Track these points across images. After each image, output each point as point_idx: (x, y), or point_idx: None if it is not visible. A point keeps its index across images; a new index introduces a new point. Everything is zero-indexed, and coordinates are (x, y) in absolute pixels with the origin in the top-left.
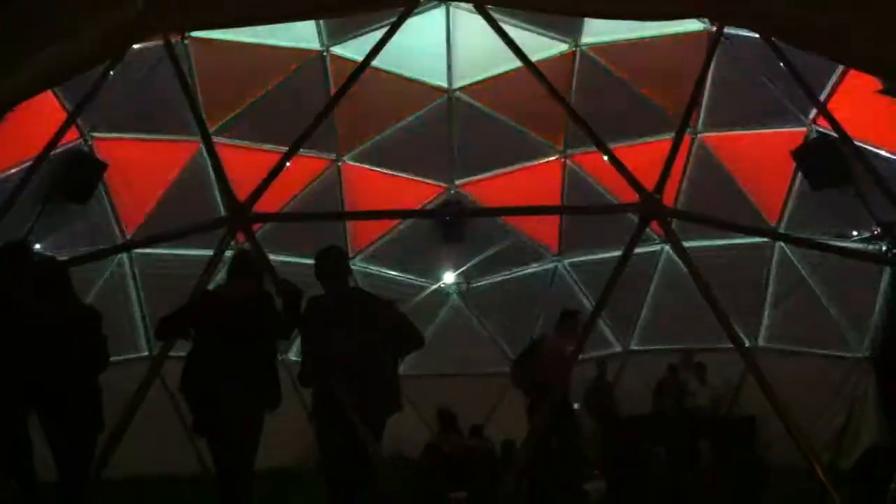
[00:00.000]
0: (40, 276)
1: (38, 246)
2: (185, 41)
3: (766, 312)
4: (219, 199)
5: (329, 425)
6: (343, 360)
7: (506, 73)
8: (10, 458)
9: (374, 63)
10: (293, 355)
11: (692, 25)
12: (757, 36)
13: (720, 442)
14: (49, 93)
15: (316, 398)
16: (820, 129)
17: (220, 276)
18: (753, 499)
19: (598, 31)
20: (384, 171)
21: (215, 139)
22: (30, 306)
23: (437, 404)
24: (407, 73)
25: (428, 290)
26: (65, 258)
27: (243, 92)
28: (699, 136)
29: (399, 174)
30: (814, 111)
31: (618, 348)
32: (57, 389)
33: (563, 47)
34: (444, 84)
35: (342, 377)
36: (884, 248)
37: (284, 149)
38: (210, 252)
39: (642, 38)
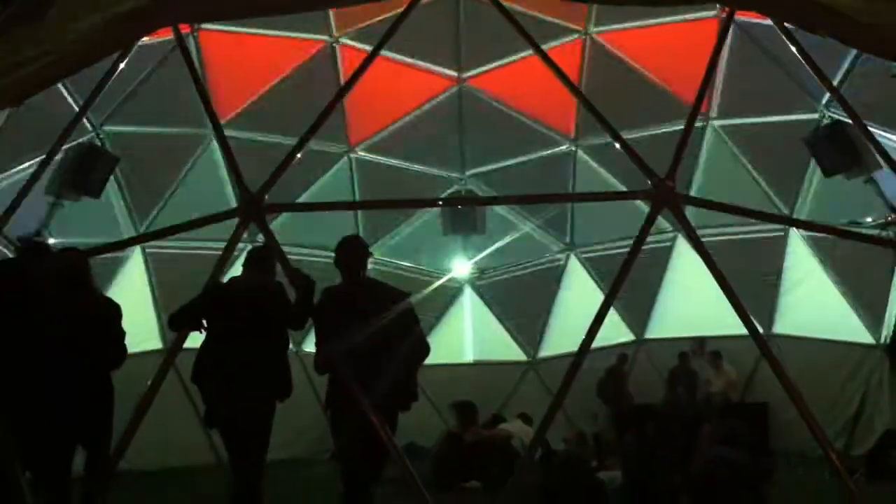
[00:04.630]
0: (62, 268)
1: (52, 240)
2: (195, 33)
3: (781, 299)
4: (231, 190)
5: (343, 415)
6: (356, 349)
7: (516, 60)
8: (30, 451)
9: (384, 52)
10: (307, 346)
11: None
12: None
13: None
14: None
15: (330, 387)
16: (833, 115)
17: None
18: (759, 485)
19: (609, 17)
20: (395, 161)
21: (226, 131)
22: (49, 299)
23: (450, 393)
24: (417, 63)
25: (440, 280)
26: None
27: (253, 83)
28: (712, 122)
29: (410, 164)
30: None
31: (631, 337)
32: (70, 385)
33: (573, 35)
34: (455, 73)
35: (356, 366)
36: None
37: (295, 140)
38: (223, 243)
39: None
